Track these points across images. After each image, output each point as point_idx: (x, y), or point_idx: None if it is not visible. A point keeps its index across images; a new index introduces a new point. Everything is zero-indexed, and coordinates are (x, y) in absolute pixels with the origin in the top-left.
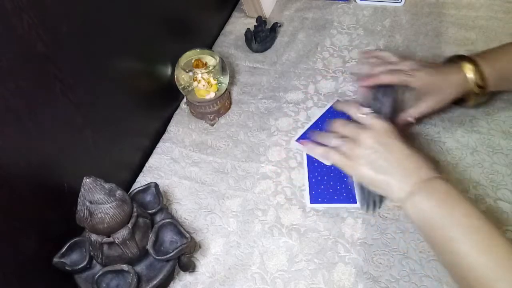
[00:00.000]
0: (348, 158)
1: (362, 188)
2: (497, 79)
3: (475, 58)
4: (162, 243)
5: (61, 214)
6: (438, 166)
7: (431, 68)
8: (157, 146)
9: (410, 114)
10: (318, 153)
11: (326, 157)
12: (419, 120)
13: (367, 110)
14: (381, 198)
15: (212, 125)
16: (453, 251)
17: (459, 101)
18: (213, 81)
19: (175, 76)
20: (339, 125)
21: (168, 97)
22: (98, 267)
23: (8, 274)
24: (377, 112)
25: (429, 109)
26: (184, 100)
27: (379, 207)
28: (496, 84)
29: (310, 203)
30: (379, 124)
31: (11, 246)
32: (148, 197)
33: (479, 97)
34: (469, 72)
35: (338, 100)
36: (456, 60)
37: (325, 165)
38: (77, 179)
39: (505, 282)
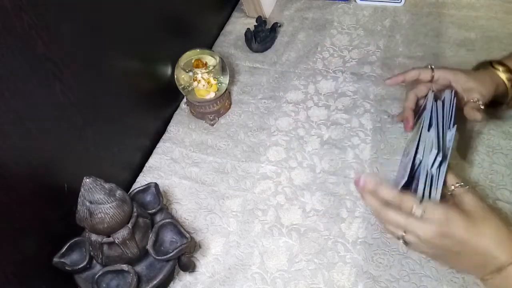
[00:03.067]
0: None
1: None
2: None
3: (502, 60)
4: (162, 243)
5: (61, 214)
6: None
7: (463, 70)
8: (157, 146)
9: (474, 99)
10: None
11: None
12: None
13: (419, 211)
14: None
15: (212, 125)
16: None
17: (494, 104)
18: (213, 81)
19: (175, 76)
20: (389, 215)
21: (168, 97)
22: (98, 267)
23: (8, 274)
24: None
25: (484, 97)
26: (184, 100)
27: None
28: None
29: None
30: (436, 214)
31: (11, 246)
32: (148, 197)
33: None
34: (499, 69)
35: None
36: (484, 64)
37: None
38: (77, 179)
39: None
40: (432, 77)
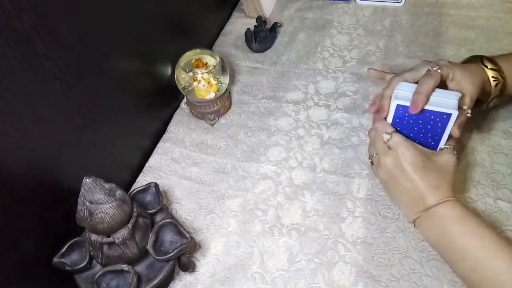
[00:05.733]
0: (377, 171)
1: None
2: None
3: (494, 57)
4: (162, 243)
5: (61, 214)
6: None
7: (458, 65)
8: (157, 146)
9: (464, 105)
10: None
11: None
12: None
13: (391, 129)
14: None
15: (212, 125)
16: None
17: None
18: (213, 81)
19: (175, 76)
20: (372, 137)
21: (168, 97)
22: (98, 267)
23: (8, 274)
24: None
25: (473, 97)
26: (184, 100)
27: None
28: None
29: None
30: (400, 148)
31: (11, 246)
32: (148, 197)
33: (497, 96)
34: (487, 66)
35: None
36: (475, 58)
37: None
38: (77, 179)
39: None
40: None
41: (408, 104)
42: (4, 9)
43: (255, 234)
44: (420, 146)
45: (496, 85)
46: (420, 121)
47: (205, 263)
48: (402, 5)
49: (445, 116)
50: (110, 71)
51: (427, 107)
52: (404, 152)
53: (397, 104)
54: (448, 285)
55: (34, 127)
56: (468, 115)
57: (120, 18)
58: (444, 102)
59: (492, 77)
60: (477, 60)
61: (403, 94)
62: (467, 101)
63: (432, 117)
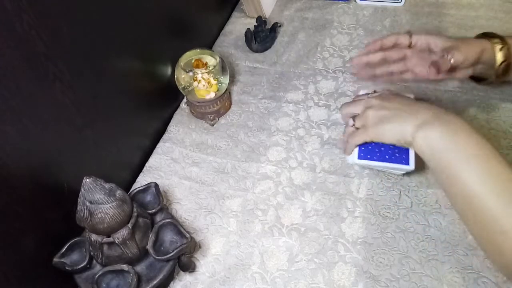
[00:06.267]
0: (365, 128)
1: None
2: None
3: (504, 36)
4: (162, 243)
5: (61, 214)
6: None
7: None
8: (157, 146)
9: (448, 56)
10: (345, 152)
11: (350, 148)
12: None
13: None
14: None
15: (212, 125)
16: (460, 183)
17: (478, 79)
18: (213, 81)
19: (175, 76)
20: (350, 105)
21: (168, 97)
22: (98, 267)
23: (8, 274)
24: None
25: (464, 56)
26: (184, 100)
27: None
28: None
29: (358, 158)
30: (381, 91)
31: (11, 246)
32: (148, 197)
33: (501, 75)
34: (494, 40)
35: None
36: (483, 35)
37: None
38: (77, 179)
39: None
40: (410, 42)
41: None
42: (4, 9)
43: (255, 234)
44: None
45: (501, 49)
46: (383, 148)
47: (205, 263)
48: (402, 5)
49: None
50: (110, 71)
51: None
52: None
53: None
54: (448, 285)
55: (34, 127)
56: (451, 61)
57: (120, 18)
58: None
59: (495, 43)
60: (480, 36)
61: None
62: (457, 54)
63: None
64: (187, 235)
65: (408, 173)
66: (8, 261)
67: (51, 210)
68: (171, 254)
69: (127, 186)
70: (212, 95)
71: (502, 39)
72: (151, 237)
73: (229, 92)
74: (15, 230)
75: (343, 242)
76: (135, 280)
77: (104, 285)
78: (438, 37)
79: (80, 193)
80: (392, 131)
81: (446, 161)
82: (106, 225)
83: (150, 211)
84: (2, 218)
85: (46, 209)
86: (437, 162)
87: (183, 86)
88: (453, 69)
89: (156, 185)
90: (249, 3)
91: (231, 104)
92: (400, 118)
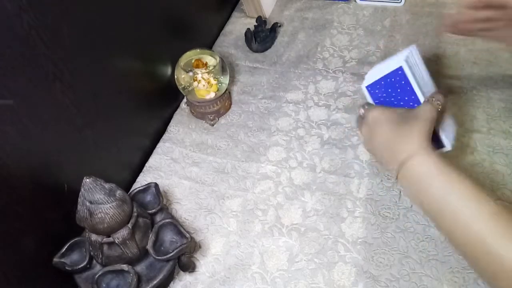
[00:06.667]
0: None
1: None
2: None
3: None
4: (162, 243)
5: (61, 214)
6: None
7: None
8: (157, 146)
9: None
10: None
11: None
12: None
13: (362, 110)
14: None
15: (212, 125)
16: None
17: None
18: (213, 81)
19: (175, 76)
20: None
21: (168, 97)
22: (98, 267)
23: (8, 274)
24: None
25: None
26: (184, 100)
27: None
28: None
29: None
30: (369, 115)
31: (11, 246)
32: (148, 197)
33: None
34: None
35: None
36: None
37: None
38: (77, 179)
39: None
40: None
41: (372, 81)
42: (4, 9)
43: (255, 234)
44: (398, 108)
45: None
46: (390, 90)
47: (205, 263)
48: (402, 5)
49: (399, 72)
50: (110, 71)
51: (377, 77)
52: (374, 115)
53: (366, 87)
54: (448, 285)
55: (34, 127)
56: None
57: (120, 18)
58: (389, 63)
59: None
60: None
61: (368, 76)
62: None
63: (391, 80)
64: (187, 235)
65: None
66: (8, 261)
67: (51, 210)
68: (171, 254)
69: (127, 186)
70: (212, 95)
71: None
72: (151, 237)
73: (229, 92)
74: (15, 230)
75: (343, 242)
76: (135, 280)
77: (104, 285)
78: None
79: (80, 193)
80: (378, 160)
81: (422, 205)
82: (106, 225)
83: (150, 211)
84: (2, 218)
85: (46, 209)
86: (422, 209)
87: (183, 86)
88: None
89: (156, 185)
90: (249, 3)
91: (231, 104)
92: (383, 158)
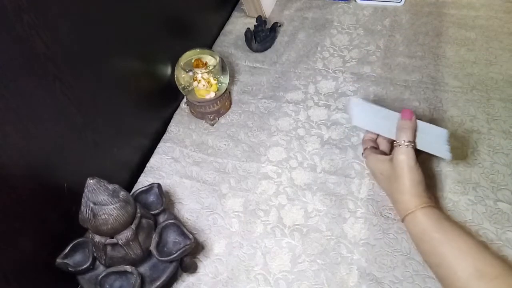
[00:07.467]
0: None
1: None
2: None
3: None
4: (166, 244)
5: (61, 214)
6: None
7: None
8: (157, 146)
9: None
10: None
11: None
12: None
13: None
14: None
15: (212, 125)
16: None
17: None
18: (213, 81)
19: (175, 76)
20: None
21: (168, 97)
22: (101, 268)
23: (8, 274)
24: None
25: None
26: (184, 100)
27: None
28: None
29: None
30: (367, 162)
31: (11, 246)
32: (151, 198)
33: None
34: None
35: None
36: None
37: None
38: (77, 179)
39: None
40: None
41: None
42: (4, 9)
43: (258, 235)
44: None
45: None
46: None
47: (207, 264)
48: (402, 5)
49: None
50: (110, 71)
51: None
52: (372, 162)
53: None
54: None
55: (34, 127)
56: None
57: (120, 18)
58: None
59: None
60: None
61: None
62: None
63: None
64: (191, 236)
65: None
66: (8, 261)
67: (51, 210)
68: (175, 255)
69: (126, 186)
70: (212, 95)
71: None
72: (155, 238)
73: (229, 92)
74: (15, 230)
75: (346, 243)
76: (139, 281)
77: (107, 286)
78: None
79: (84, 194)
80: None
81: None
82: (109, 226)
83: (153, 212)
84: (2, 218)
85: (46, 209)
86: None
87: (183, 86)
88: None
89: (159, 185)
90: (249, 2)
91: (231, 104)
92: (389, 198)
